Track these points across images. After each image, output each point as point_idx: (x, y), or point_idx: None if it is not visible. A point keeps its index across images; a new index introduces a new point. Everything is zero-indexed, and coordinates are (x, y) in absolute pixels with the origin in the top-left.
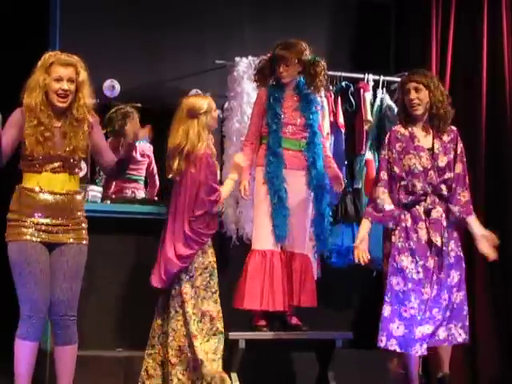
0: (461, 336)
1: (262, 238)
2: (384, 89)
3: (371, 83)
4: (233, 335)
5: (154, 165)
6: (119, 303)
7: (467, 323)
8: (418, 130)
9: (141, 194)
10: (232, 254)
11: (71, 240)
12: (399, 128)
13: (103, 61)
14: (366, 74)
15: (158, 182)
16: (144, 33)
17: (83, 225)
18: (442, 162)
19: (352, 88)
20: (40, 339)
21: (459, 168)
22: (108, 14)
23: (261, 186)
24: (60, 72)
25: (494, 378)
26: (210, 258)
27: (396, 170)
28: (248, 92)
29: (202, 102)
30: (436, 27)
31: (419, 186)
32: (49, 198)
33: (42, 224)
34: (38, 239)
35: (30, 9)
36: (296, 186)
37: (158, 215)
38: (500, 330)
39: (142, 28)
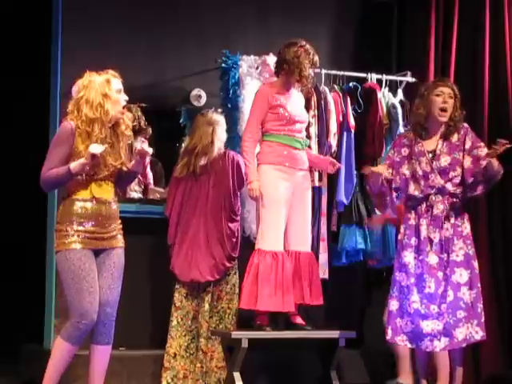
0: (478, 333)
1: (272, 239)
2: (387, 88)
3: (374, 82)
4: (235, 334)
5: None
6: (122, 302)
7: (483, 320)
8: (424, 134)
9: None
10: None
11: (117, 243)
12: (407, 133)
13: (105, 60)
14: (369, 73)
15: (150, 175)
16: (146, 32)
17: (121, 230)
18: (445, 161)
19: (360, 89)
20: (81, 345)
21: (468, 161)
22: (110, 13)
23: (270, 184)
24: (118, 85)
25: (495, 377)
26: None
27: (395, 176)
28: (251, 91)
29: None
30: (438, 26)
31: (419, 189)
32: (97, 206)
33: (91, 232)
34: (88, 247)
35: (32, 8)
36: (300, 185)
37: (158, 215)
38: (503, 329)
39: (144, 27)
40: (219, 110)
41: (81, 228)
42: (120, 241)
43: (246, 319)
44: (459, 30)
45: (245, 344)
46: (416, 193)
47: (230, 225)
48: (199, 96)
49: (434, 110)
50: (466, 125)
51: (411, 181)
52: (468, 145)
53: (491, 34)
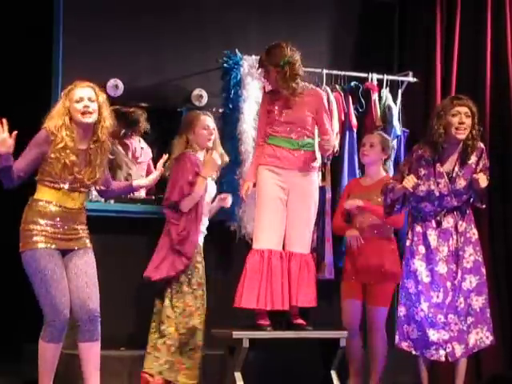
0: (488, 338)
1: (261, 238)
2: (388, 88)
3: (375, 82)
4: (236, 334)
5: (152, 165)
6: (122, 302)
7: (491, 325)
8: (442, 154)
9: (141, 193)
10: (234, 252)
11: (82, 245)
12: (424, 152)
13: (106, 60)
14: (370, 74)
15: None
16: (148, 32)
17: (86, 233)
18: (460, 185)
19: (361, 88)
20: (62, 340)
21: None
22: (111, 14)
23: (261, 185)
24: (80, 93)
25: (496, 377)
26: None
27: (410, 193)
28: (252, 91)
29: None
30: (440, 26)
31: (431, 208)
32: (60, 210)
33: (55, 232)
34: (53, 246)
35: (33, 9)
36: (297, 185)
37: (160, 215)
38: (504, 330)
39: (145, 27)
40: (220, 111)
41: (45, 228)
42: (88, 243)
43: (247, 319)
44: (461, 30)
45: (246, 344)
46: (427, 210)
47: (173, 227)
48: (200, 96)
49: (451, 130)
50: (482, 145)
51: (425, 200)
52: (478, 169)
53: (493, 33)
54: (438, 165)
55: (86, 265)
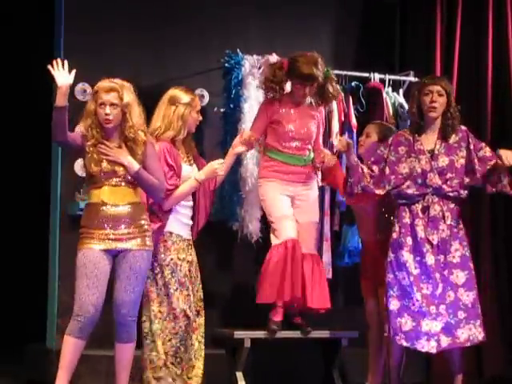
0: (480, 334)
1: (282, 230)
2: (390, 87)
3: (377, 82)
4: (238, 334)
5: None
6: None
7: (482, 320)
8: (421, 133)
9: None
10: (236, 252)
11: (135, 246)
12: (404, 132)
13: (107, 60)
14: (372, 73)
15: None
16: (148, 32)
17: (147, 232)
18: (443, 162)
19: (362, 88)
20: (86, 338)
21: (476, 164)
22: (112, 14)
23: (269, 190)
24: (103, 98)
25: (497, 378)
26: (172, 254)
27: (389, 175)
28: (253, 91)
29: (185, 94)
30: (441, 26)
31: (415, 187)
32: (111, 210)
33: (107, 233)
34: (101, 247)
35: (34, 10)
36: (303, 194)
37: None
38: (505, 329)
39: (146, 27)
40: (222, 110)
41: (94, 230)
42: (139, 244)
43: (249, 319)
44: (462, 29)
45: (247, 344)
46: (411, 191)
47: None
48: (202, 96)
49: (424, 109)
50: (464, 127)
51: (408, 179)
52: (471, 147)
53: (494, 33)
54: (418, 143)
55: (129, 269)
